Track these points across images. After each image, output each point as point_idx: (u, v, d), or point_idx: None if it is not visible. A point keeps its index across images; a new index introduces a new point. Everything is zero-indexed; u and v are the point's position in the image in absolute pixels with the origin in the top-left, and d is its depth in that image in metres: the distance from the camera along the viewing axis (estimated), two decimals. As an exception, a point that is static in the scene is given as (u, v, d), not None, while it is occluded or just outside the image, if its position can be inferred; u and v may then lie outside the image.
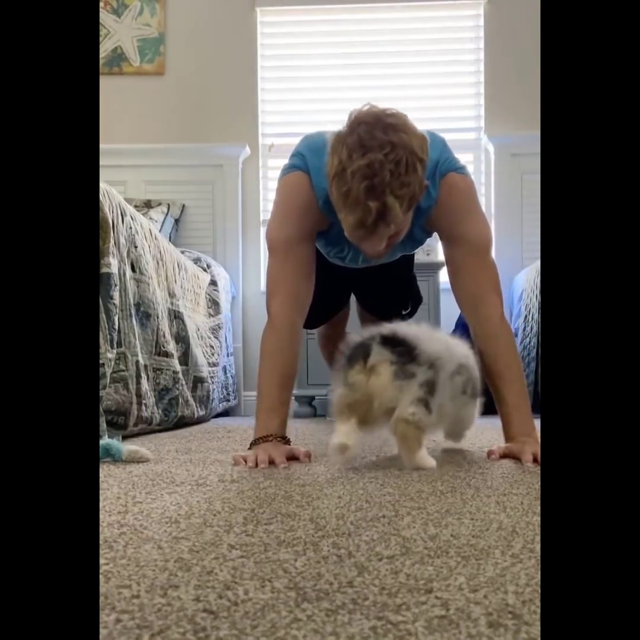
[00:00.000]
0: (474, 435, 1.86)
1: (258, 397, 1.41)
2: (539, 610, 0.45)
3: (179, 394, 2.25)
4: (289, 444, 1.35)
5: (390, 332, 1.21)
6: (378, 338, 1.20)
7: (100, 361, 1.62)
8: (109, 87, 3.57)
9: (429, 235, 1.62)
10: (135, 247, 1.94)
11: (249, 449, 1.34)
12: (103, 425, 1.57)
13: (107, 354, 1.65)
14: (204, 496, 0.91)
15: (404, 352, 1.18)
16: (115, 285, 1.70)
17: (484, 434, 1.92)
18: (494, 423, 2.39)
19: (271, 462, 1.22)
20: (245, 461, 1.23)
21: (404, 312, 2.21)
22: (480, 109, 3.61)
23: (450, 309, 3.30)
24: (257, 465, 1.20)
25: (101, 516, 0.78)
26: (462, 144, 3.57)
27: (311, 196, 1.49)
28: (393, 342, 1.19)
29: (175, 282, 2.39)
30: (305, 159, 1.51)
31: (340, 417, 1.19)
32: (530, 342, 2.90)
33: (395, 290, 2.14)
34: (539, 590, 0.49)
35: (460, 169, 1.53)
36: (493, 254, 1.57)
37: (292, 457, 1.28)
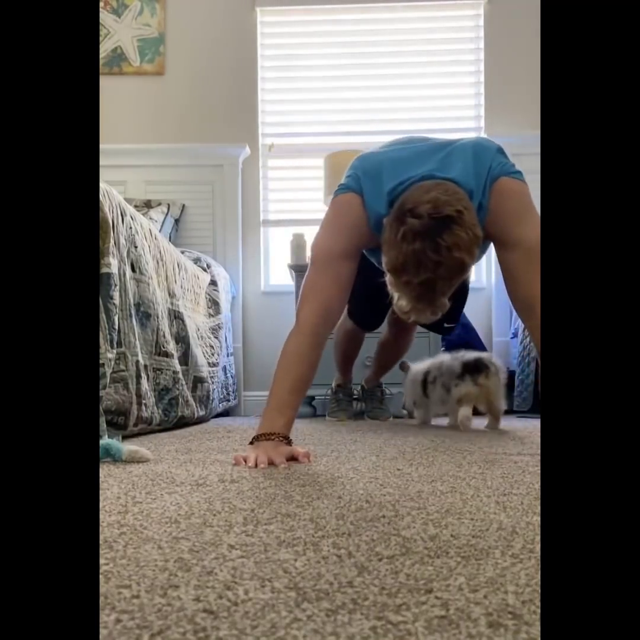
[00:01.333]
0: (474, 435, 1.86)
1: (269, 395, 1.42)
2: (538, 611, 0.45)
3: (179, 394, 2.25)
4: (291, 445, 1.35)
5: (480, 354, 2.12)
6: (486, 358, 2.09)
7: (100, 361, 1.62)
8: (109, 87, 3.57)
9: (488, 243, 1.65)
10: (135, 247, 1.94)
11: (250, 444, 1.34)
12: (103, 425, 1.57)
13: (107, 354, 1.65)
14: (204, 496, 0.91)
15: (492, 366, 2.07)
16: (115, 285, 1.70)
17: (484, 433, 1.92)
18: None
19: (271, 463, 1.22)
20: (245, 461, 1.23)
21: (446, 325, 2.25)
22: (480, 109, 3.61)
23: (450, 309, 3.31)
24: (256, 465, 1.20)
25: (101, 516, 0.78)
26: (462, 144, 3.57)
27: (363, 216, 1.55)
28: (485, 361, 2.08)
29: (175, 282, 2.39)
30: (359, 181, 1.56)
31: (467, 403, 2.05)
32: (530, 342, 2.90)
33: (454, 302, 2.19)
34: (539, 591, 0.49)
35: (513, 174, 1.56)
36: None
37: (292, 458, 1.27)
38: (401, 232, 1.35)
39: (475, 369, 2.06)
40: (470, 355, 2.11)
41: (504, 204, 1.53)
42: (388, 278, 1.42)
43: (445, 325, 2.24)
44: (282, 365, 1.43)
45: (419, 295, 1.38)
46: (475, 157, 1.53)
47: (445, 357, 2.21)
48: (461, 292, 2.13)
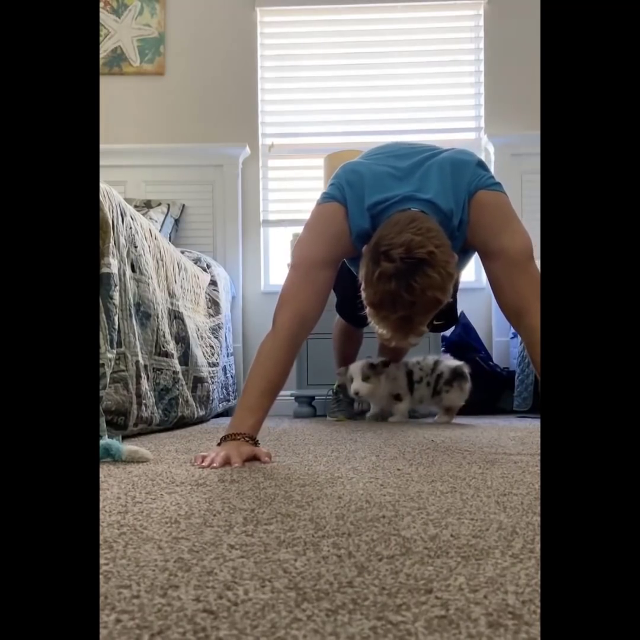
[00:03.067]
0: (474, 435, 1.86)
1: (241, 396, 1.44)
2: (539, 610, 0.45)
3: (179, 394, 2.25)
4: (256, 445, 1.35)
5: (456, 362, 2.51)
6: (461, 366, 2.50)
7: (100, 361, 1.62)
8: (109, 87, 3.57)
9: (471, 252, 1.71)
10: (135, 247, 1.94)
11: (218, 445, 1.35)
12: (103, 425, 1.57)
13: (107, 354, 1.65)
14: (204, 496, 0.91)
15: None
16: (115, 285, 1.70)
17: (484, 433, 1.92)
18: (494, 423, 2.39)
19: (227, 463, 1.22)
20: (202, 460, 1.24)
21: (435, 323, 2.29)
22: (480, 109, 3.61)
23: (450, 309, 3.31)
24: (209, 465, 1.21)
25: (101, 516, 0.78)
26: (462, 144, 3.57)
27: (345, 228, 1.59)
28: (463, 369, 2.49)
29: (175, 282, 2.39)
30: (343, 192, 1.60)
31: (455, 408, 2.51)
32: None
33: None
34: (539, 591, 0.49)
35: (491, 186, 1.59)
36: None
37: (253, 458, 1.29)
38: (376, 273, 1.41)
39: (460, 376, 2.48)
40: (451, 362, 2.51)
41: (483, 216, 1.57)
42: (368, 310, 1.49)
43: (435, 322, 2.27)
44: (256, 367, 1.45)
45: (397, 328, 1.46)
46: (454, 173, 1.57)
47: (420, 359, 2.54)
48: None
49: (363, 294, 1.47)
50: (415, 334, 1.50)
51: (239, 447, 1.29)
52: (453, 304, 2.26)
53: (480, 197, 1.58)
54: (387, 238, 1.44)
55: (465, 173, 1.57)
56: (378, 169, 1.62)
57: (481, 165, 1.62)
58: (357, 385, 2.41)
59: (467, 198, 1.56)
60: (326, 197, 1.63)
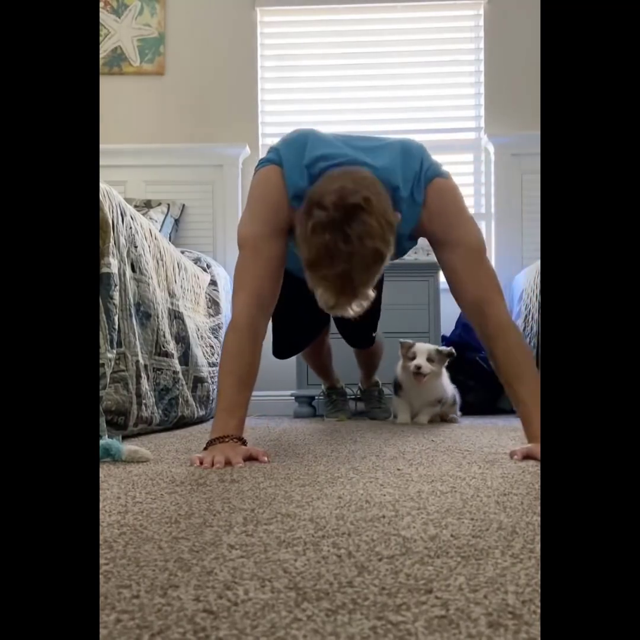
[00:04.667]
0: (474, 435, 1.86)
1: (217, 398, 1.41)
2: (539, 610, 0.45)
3: (179, 394, 2.25)
4: (246, 445, 1.34)
5: None
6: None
7: (100, 361, 1.62)
8: (109, 87, 3.57)
9: (415, 242, 1.64)
10: (135, 247, 1.94)
11: (205, 449, 1.32)
12: (103, 425, 1.57)
13: (107, 354, 1.65)
14: (204, 496, 0.90)
15: None
16: (115, 285, 1.70)
17: (484, 433, 1.92)
18: (494, 423, 2.39)
19: (228, 463, 1.21)
20: (201, 462, 1.22)
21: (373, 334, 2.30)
22: (480, 109, 3.61)
23: (450, 309, 3.31)
24: (212, 465, 1.19)
25: (101, 516, 0.78)
26: (462, 144, 3.57)
27: (282, 190, 1.49)
28: None
29: (175, 282, 2.39)
30: (279, 153, 1.53)
31: None
32: (530, 342, 2.90)
33: (370, 319, 2.16)
34: (539, 590, 0.49)
35: (444, 174, 1.55)
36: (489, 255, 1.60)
37: (250, 458, 1.27)
38: (310, 225, 1.31)
39: None
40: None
41: (444, 202, 1.52)
42: (306, 274, 1.37)
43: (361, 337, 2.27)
44: (224, 365, 1.41)
45: (338, 289, 1.33)
46: (404, 154, 1.52)
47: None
48: (372, 308, 2.16)
49: (301, 255, 1.37)
50: (359, 296, 1.36)
51: (233, 448, 1.27)
52: (378, 298, 2.13)
53: (440, 184, 1.52)
54: (320, 189, 1.35)
55: (416, 156, 1.52)
56: (326, 134, 1.56)
57: (427, 152, 1.57)
58: (420, 361, 2.20)
59: (424, 181, 1.51)
60: (260, 163, 1.56)
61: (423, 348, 2.25)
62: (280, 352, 2.26)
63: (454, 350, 2.30)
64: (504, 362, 1.42)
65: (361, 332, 2.25)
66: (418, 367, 2.20)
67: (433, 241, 1.57)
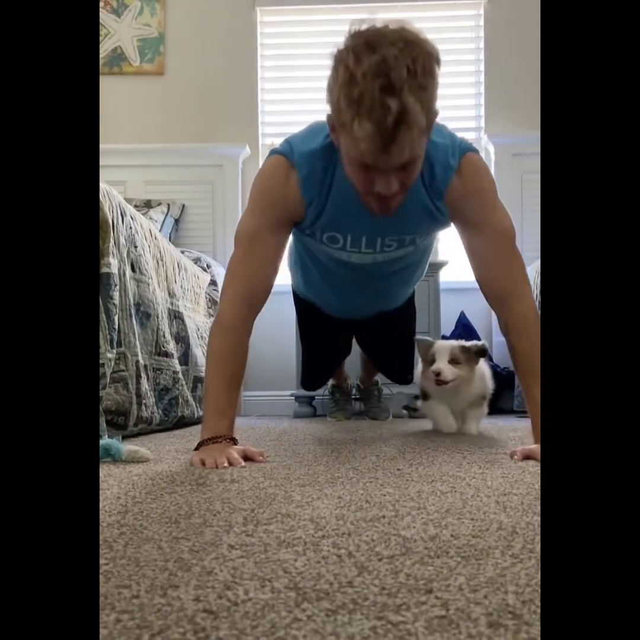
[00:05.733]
0: (475, 436, 1.85)
1: (205, 398, 1.39)
2: (539, 610, 0.45)
3: (179, 394, 2.25)
4: (237, 445, 1.33)
5: None
6: None
7: (100, 361, 1.62)
8: (109, 87, 3.57)
9: (444, 222, 1.49)
10: (135, 247, 1.94)
11: (195, 450, 1.31)
12: (103, 425, 1.57)
13: (107, 354, 1.65)
14: (204, 496, 0.90)
15: None
16: (115, 285, 1.70)
17: (484, 433, 1.92)
18: (494, 423, 2.39)
19: (229, 463, 1.20)
20: (204, 463, 1.20)
21: (409, 376, 2.21)
22: (480, 109, 3.61)
23: (450, 309, 3.31)
24: (217, 466, 1.18)
25: (101, 516, 0.78)
26: (462, 144, 3.57)
27: (284, 180, 1.41)
28: None
29: (175, 282, 2.39)
30: (290, 141, 1.46)
31: None
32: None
33: (401, 347, 2.12)
34: (539, 591, 0.49)
35: (477, 151, 1.47)
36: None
37: (246, 458, 1.26)
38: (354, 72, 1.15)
39: None
40: None
41: (480, 179, 1.43)
42: (337, 136, 1.25)
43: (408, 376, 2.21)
44: (212, 365, 1.38)
45: (382, 87, 1.12)
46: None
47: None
48: (409, 319, 2.11)
49: (341, 101, 1.20)
50: (414, 126, 1.15)
51: (230, 449, 1.26)
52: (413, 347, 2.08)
53: (475, 159, 1.43)
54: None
55: (443, 128, 1.44)
56: None
57: None
58: (441, 365, 1.76)
59: (458, 152, 1.40)
60: (268, 155, 1.47)
61: (444, 347, 1.80)
62: (310, 386, 2.30)
63: (485, 345, 1.85)
64: (524, 359, 1.38)
65: (398, 370, 2.21)
66: (437, 373, 1.76)
67: (463, 221, 1.46)
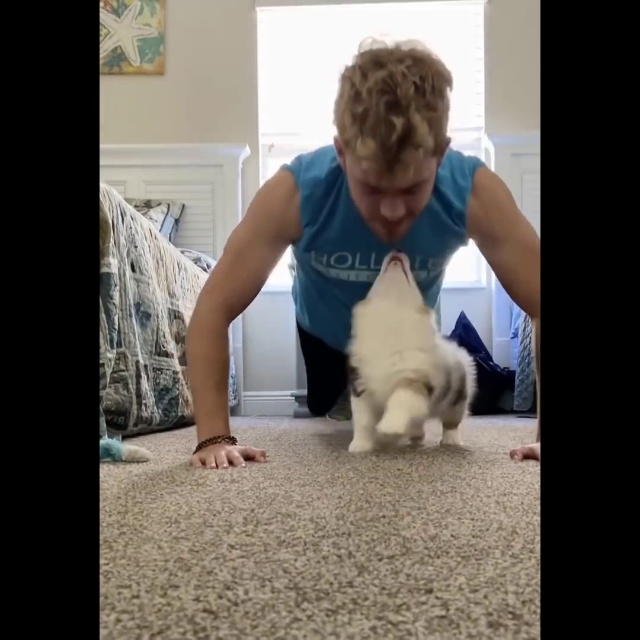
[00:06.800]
0: (474, 435, 1.85)
1: (195, 403, 1.38)
2: (539, 611, 0.45)
3: (179, 394, 2.25)
4: (236, 444, 1.32)
5: None
6: None
7: (100, 361, 1.62)
8: (109, 87, 3.56)
9: (459, 242, 1.47)
10: (135, 247, 1.94)
11: (195, 452, 1.29)
12: (103, 425, 1.57)
13: (107, 354, 1.65)
14: (204, 496, 0.90)
15: None
16: (115, 285, 1.70)
17: (484, 433, 1.92)
18: (494, 423, 2.39)
19: (230, 463, 1.20)
20: (204, 463, 1.20)
21: None
22: (481, 109, 3.61)
23: (450, 309, 3.31)
24: (217, 466, 1.18)
25: (101, 516, 0.78)
26: (462, 144, 3.57)
27: (286, 198, 1.40)
28: None
29: (175, 282, 2.39)
30: (300, 158, 1.45)
31: None
32: (530, 342, 2.90)
33: None
34: (539, 591, 0.49)
35: (485, 165, 1.46)
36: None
37: (247, 458, 1.25)
38: (360, 88, 1.12)
39: None
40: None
41: (496, 194, 1.41)
42: (343, 158, 1.23)
43: None
44: (198, 370, 1.38)
45: (388, 104, 1.09)
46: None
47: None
48: None
49: (345, 119, 1.16)
50: (420, 145, 1.12)
51: (226, 447, 1.26)
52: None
53: (488, 174, 1.42)
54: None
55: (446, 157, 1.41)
56: None
57: None
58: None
59: (468, 170, 1.39)
60: (280, 169, 1.46)
61: None
62: (318, 411, 2.35)
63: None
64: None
65: None
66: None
67: (485, 237, 1.43)
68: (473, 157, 1.46)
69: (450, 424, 1.57)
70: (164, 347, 2.14)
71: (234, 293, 1.42)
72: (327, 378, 2.09)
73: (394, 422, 1.26)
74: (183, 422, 2.34)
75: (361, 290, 1.48)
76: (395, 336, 1.32)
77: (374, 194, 1.25)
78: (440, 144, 1.19)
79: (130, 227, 1.90)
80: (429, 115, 1.12)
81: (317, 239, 1.44)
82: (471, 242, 1.51)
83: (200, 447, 1.30)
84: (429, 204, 1.36)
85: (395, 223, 1.29)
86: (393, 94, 1.09)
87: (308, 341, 2.05)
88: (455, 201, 1.38)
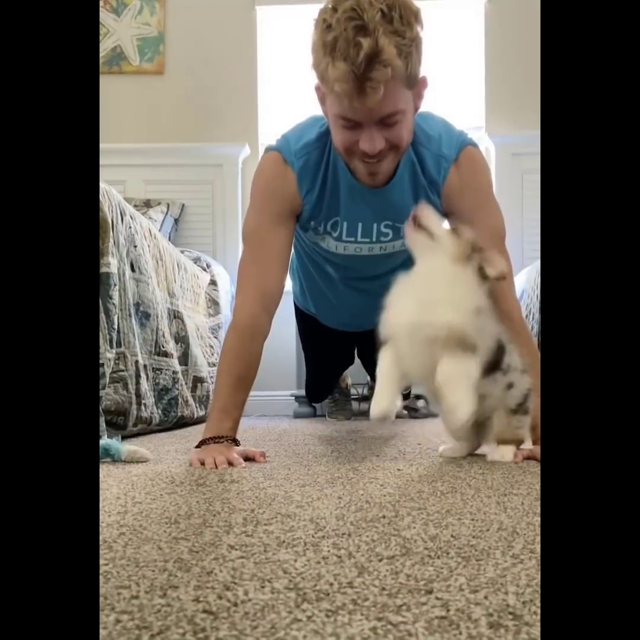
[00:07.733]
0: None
1: (213, 396, 1.39)
2: (539, 611, 0.45)
3: (179, 394, 2.25)
4: (239, 446, 1.32)
5: None
6: None
7: (100, 361, 1.62)
8: (108, 87, 3.56)
9: (437, 210, 1.44)
10: (135, 246, 1.93)
11: (197, 447, 1.31)
12: (103, 425, 1.57)
13: (107, 354, 1.65)
14: (203, 496, 0.90)
15: None
16: (115, 284, 1.70)
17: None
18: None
19: (230, 464, 1.20)
20: (203, 463, 1.20)
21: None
22: (481, 109, 3.61)
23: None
24: (216, 467, 1.18)
25: (101, 516, 0.78)
26: (462, 143, 3.57)
27: (280, 174, 1.43)
28: None
29: (175, 281, 2.38)
30: (285, 136, 1.47)
31: None
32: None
33: None
34: (540, 591, 0.49)
35: (477, 145, 1.46)
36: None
37: (246, 459, 1.26)
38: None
39: None
40: None
41: (477, 175, 1.42)
42: (325, 108, 1.27)
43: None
44: (223, 365, 1.38)
45: (356, 28, 1.14)
46: (427, 117, 1.44)
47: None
48: None
49: (317, 47, 1.20)
50: (389, 65, 1.15)
51: (230, 449, 1.26)
52: None
53: (474, 153, 1.42)
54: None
55: (440, 120, 1.44)
56: None
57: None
58: None
59: (456, 144, 1.40)
60: (264, 152, 1.49)
61: None
62: (316, 397, 2.39)
63: None
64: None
65: None
66: None
67: (456, 215, 1.43)
68: (464, 133, 1.46)
69: (507, 438, 1.27)
70: (163, 347, 2.14)
71: (264, 279, 1.42)
72: (324, 362, 2.08)
73: (460, 407, 1.07)
74: (182, 422, 2.34)
75: (350, 263, 1.54)
76: (425, 286, 1.17)
77: (353, 128, 1.27)
78: (412, 74, 1.22)
79: (130, 227, 1.90)
80: (396, 40, 1.16)
81: (316, 207, 1.46)
82: None
83: (202, 444, 1.31)
84: (408, 156, 1.38)
85: (376, 160, 1.31)
86: (360, 19, 1.14)
87: (305, 325, 2.08)
88: (432, 166, 1.40)
